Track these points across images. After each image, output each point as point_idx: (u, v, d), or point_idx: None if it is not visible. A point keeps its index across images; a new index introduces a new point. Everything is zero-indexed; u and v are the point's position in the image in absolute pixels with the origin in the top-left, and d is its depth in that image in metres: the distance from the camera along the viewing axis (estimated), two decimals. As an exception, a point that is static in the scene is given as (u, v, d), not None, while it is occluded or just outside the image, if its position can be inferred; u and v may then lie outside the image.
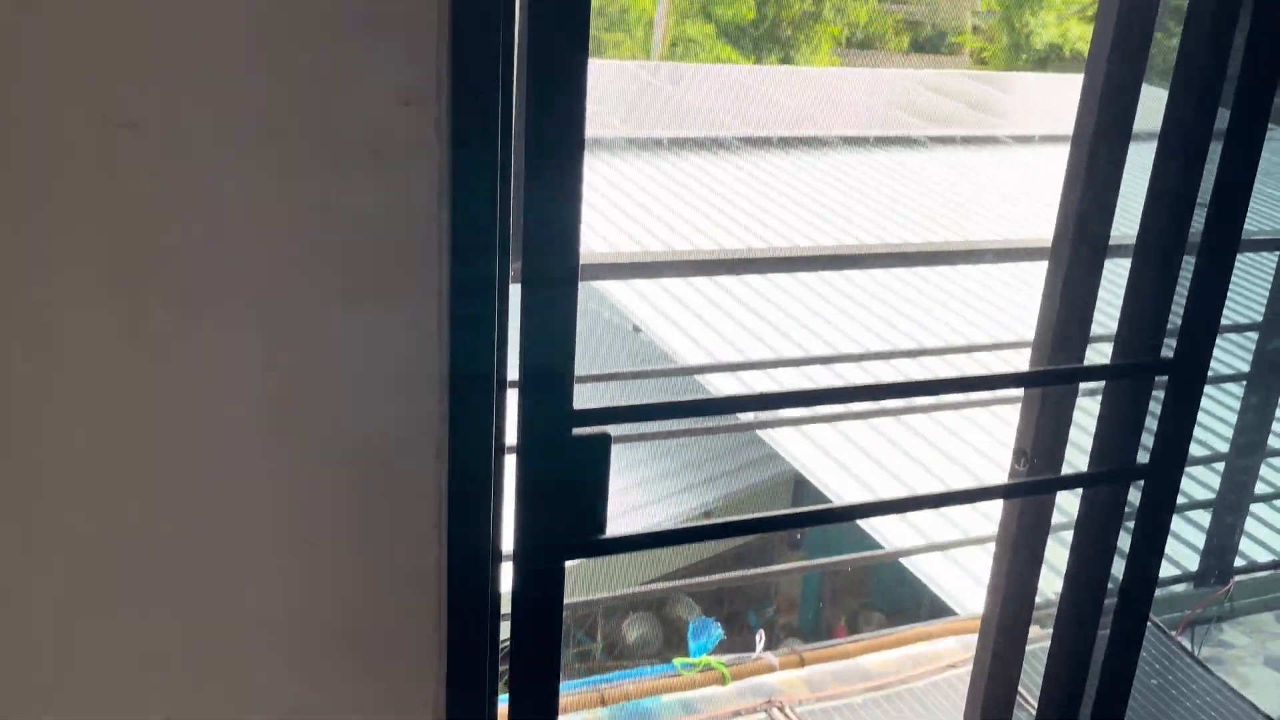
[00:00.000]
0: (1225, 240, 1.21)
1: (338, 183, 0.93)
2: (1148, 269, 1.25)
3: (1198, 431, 1.36)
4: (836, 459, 4.52)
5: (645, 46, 12.06)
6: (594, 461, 1.08)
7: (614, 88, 8.00)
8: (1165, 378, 1.25)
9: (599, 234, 5.77)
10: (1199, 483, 3.22)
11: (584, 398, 1.10)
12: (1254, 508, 2.95)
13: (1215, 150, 1.20)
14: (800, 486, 5.58)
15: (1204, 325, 1.23)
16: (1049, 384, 1.29)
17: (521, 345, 1.05)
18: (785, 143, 7.35)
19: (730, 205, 6.43)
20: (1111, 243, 1.29)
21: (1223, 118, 1.21)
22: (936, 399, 3.69)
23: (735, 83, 8.64)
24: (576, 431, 1.06)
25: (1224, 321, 1.37)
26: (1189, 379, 1.25)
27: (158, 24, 0.86)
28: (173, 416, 0.96)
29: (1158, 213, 1.23)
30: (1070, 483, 1.36)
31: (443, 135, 0.94)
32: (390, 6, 0.91)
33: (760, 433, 4.83)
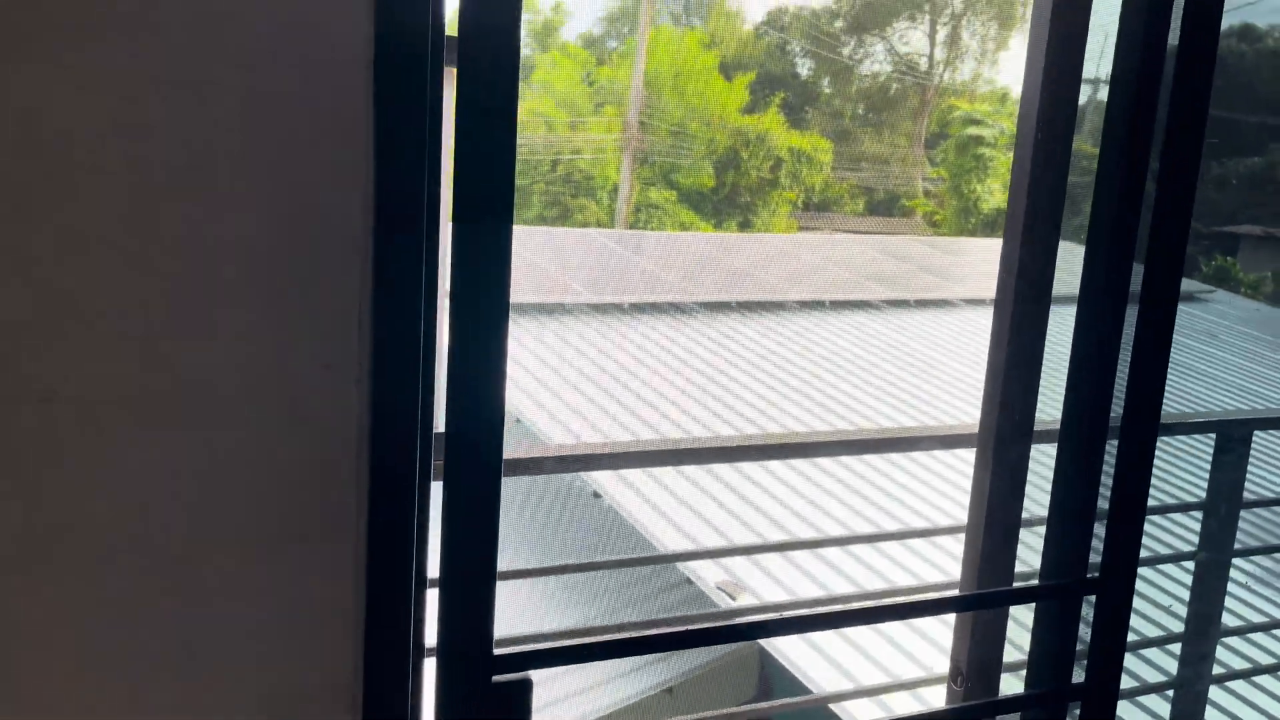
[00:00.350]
0: (1145, 427, 1.20)
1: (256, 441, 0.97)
2: (1072, 460, 1.23)
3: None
4: (804, 637, 4.38)
5: (610, 211, 12.48)
6: (515, 709, 1.04)
7: (579, 257, 8.20)
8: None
9: (555, 411, 5.77)
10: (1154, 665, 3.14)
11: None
12: (1213, 692, 2.86)
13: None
14: (766, 661, 5.40)
15: (1127, 544, 1.20)
16: (973, 609, 1.25)
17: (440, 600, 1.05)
18: (744, 307, 7.49)
19: (689, 369, 6.47)
20: (1037, 427, 1.28)
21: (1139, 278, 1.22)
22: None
23: (696, 250, 8.87)
24: (496, 679, 1.03)
25: (1170, 500, 1.34)
26: (1116, 600, 1.21)
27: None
28: None
29: (1079, 394, 1.22)
30: (1005, 706, 1.29)
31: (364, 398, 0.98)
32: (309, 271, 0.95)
33: (724, 603, 4.70)
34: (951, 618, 1.32)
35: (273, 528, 1.03)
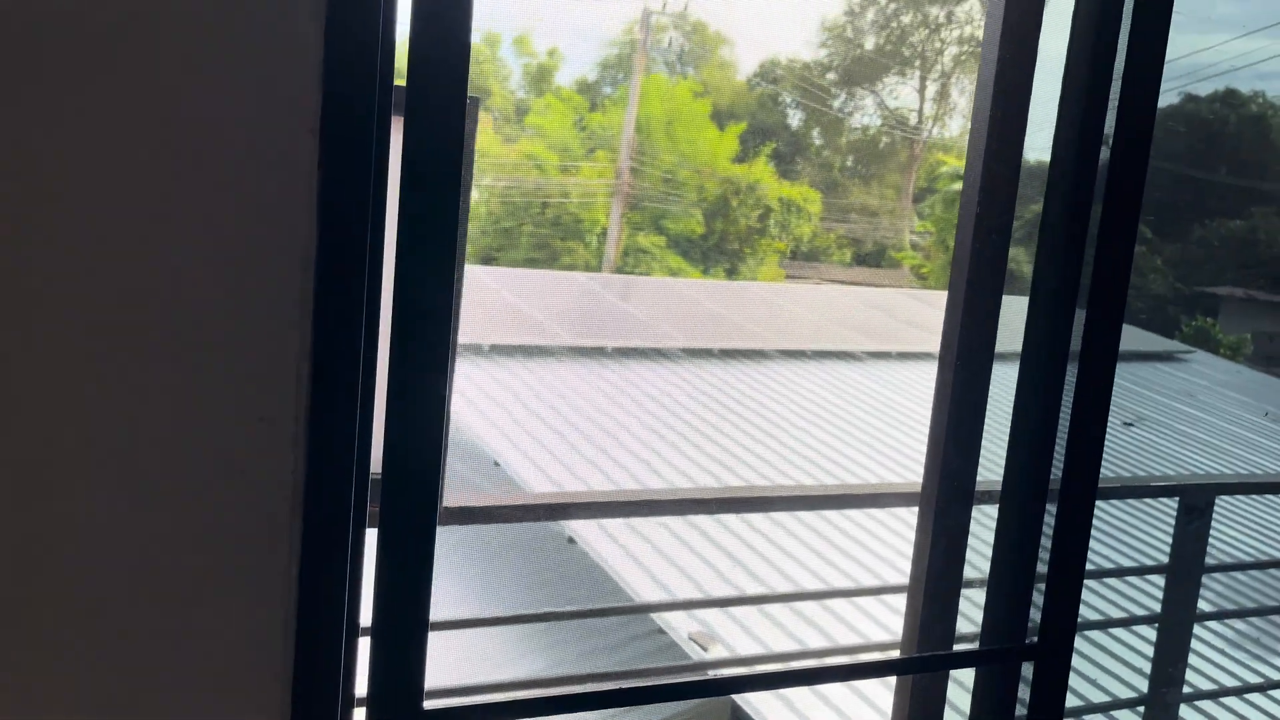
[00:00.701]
0: (1082, 490, 1.20)
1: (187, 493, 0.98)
2: (1011, 522, 1.23)
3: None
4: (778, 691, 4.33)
5: (598, 255, 12.51)
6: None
7: (564, 300, 8.21)
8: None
9: (534, 455, 5.75)
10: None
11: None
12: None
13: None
14: (738, 713, 5.33)
15: (1065, 608, 1.20)
16: (910, 672, 1.24)
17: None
18: (726, 354, 7.50)
19: (670, 415, 6.47)
20: (979, 489, 1.28)
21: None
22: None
23: (682, 296, 8.90)
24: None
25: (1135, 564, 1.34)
26: (1054, 664, 1.20)
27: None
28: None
29: (1018, 455, 1.23)
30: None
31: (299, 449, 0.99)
32: (249, 327, 0.94)
33: (695, 654, 4.66)
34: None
35: (202, 579, 1.02)
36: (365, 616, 1.15)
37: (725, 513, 4.99)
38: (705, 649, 4.50)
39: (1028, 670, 1.21)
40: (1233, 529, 5.15)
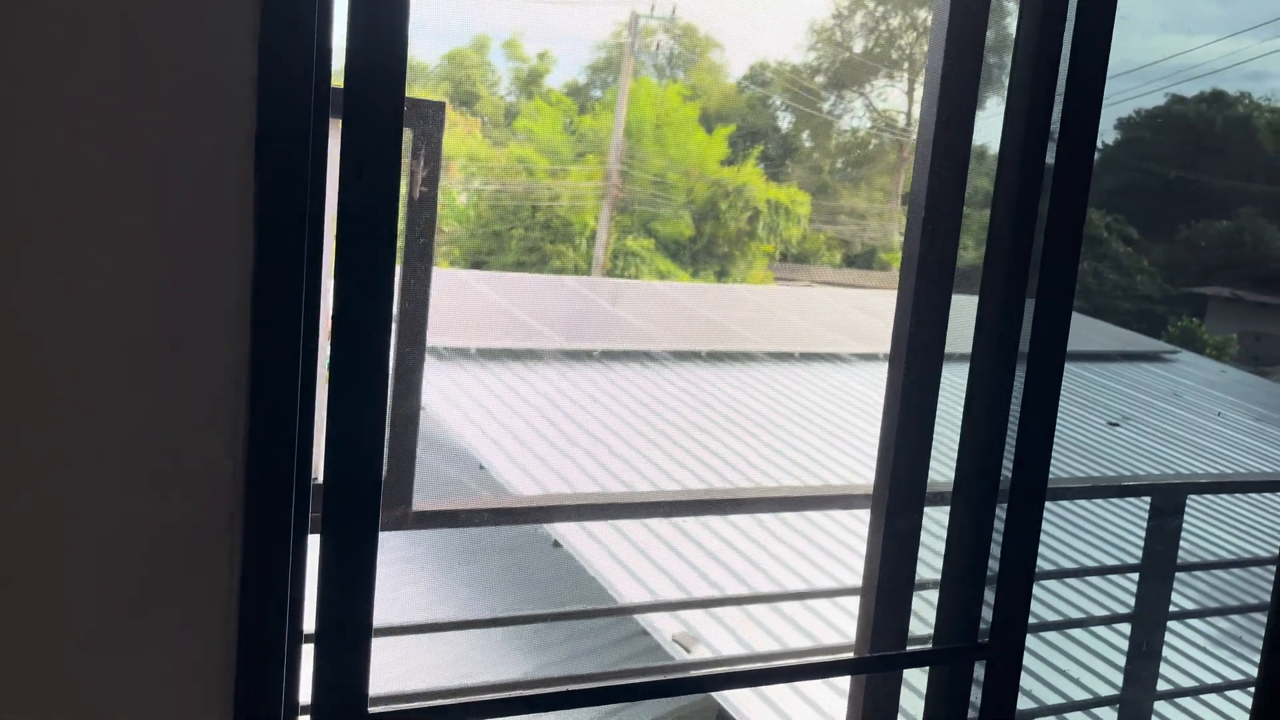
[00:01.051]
0: (1031, 490, 1.20)
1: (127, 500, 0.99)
2: (962, 523, 1.23)
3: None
4: (761, 692, 4.34)
5: (588, 258, 12.52)
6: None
7: (552, 303, 8.21)
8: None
9: (519, 457, 5.75)
10: None
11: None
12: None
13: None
14: (723, 715, 5.33)
15: (1015, 608, 1.20)
16: (861, 672, 1.24)
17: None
18: (713, 357, 7.51)
19: (657, 417, 6.47)
20: (930, 490, 1.28)
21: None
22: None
23: (669, 300, 8.91)
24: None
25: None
26: (1005, 664, 1.21)
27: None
28: None
29: (969, 456, 1.23)
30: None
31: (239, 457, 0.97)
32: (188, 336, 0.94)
33: (679, 655, 4.65)
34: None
35: (143, 588, 1.02)
36: (310, 622, 1.14)
37: (707, 514, 5.00)
38: (688, 650, 4.50)
39: (980, 670, 1.21)
40: (1216, 527, 5.16)
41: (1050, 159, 1.16)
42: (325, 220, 1.04)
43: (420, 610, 5.39)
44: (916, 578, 1.25)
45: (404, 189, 1.91)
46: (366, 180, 1.02)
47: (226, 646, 1.06)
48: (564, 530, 5.28)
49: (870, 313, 9.29)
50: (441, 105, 1.95)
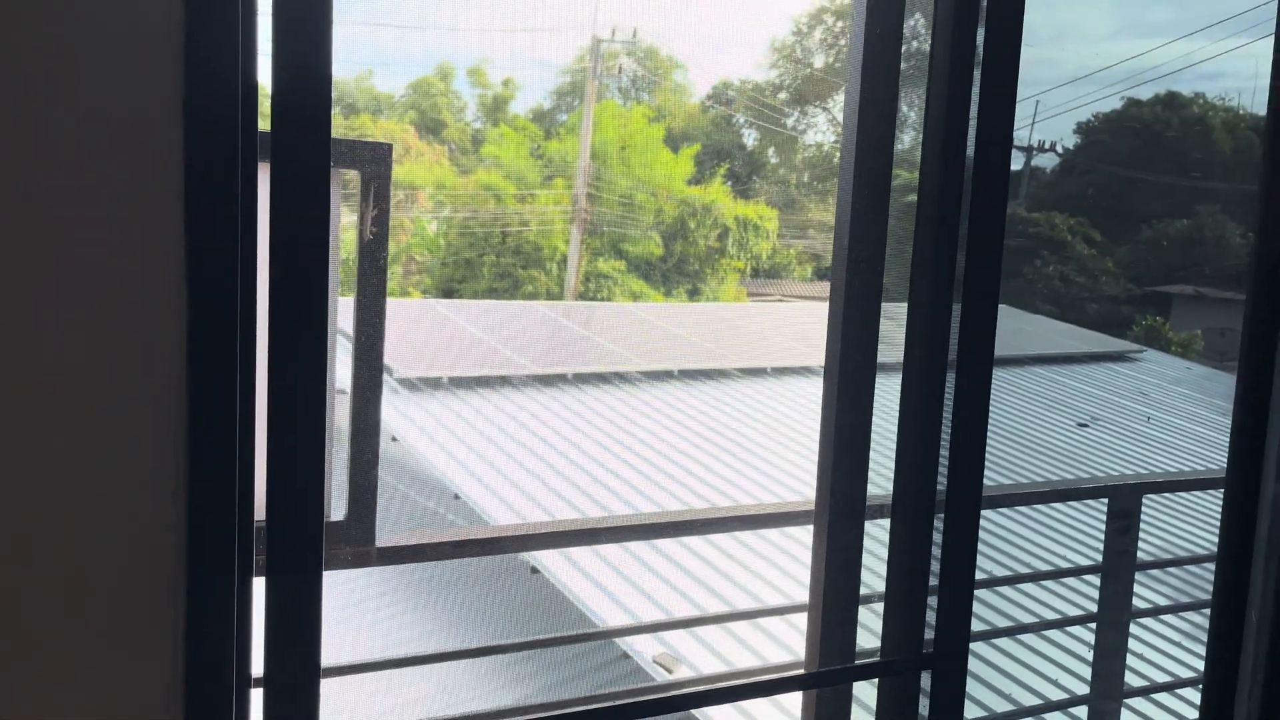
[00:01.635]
0: (967, 500, 1.23)
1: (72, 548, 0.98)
2: (903, 535, 1.25)
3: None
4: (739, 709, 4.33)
5: (560, 281, 12.58)
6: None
7: (523, 329, 8.23)
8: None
9: (495, 485, 5.74)
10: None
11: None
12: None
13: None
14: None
15: (957, 618, 1.22)
16: (809, 687, 1.26)
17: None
18: (686, 375, 7.53)
19: (632, 439, 6.48)
20: (870, 503, 1.30)
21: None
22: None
23: (641, 320, 8.94)
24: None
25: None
26: (951, 673, 1.23)
27: None
28: None
29: (905, 468, 1.25)
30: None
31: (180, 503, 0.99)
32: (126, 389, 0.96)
33: (660, 677, 4.65)
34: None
35: (89, 635, 1.02)
36: (258, 665, 1.15)
37: (680, 535, 5.00)
38: (670, 671, 4.50)
39: (928, 681, 1.23)
40: (1183, 523, 5.22)
41: (969, 169, 1.20)
42: (258, 265, 1.05)
43: (402, 644, 5.36)
44: (862, 591, 1.27)
45: (355, 230, 1.92)
46: (296, 223, 1.04)
47: (174, 692, 1.06)
48: (542, 557, 5.27)
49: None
50: (389, 147, 1.96)
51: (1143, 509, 2.55)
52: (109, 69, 0.96)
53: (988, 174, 1.21)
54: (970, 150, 1.20)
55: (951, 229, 1.22)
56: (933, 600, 1.25)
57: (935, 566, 1.26)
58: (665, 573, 5.14)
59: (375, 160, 1.88)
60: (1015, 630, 2.88)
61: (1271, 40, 1.39)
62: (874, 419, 1.34)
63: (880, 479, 1.32)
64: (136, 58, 0.97)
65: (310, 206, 1.05)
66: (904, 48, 1.21)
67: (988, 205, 1.21)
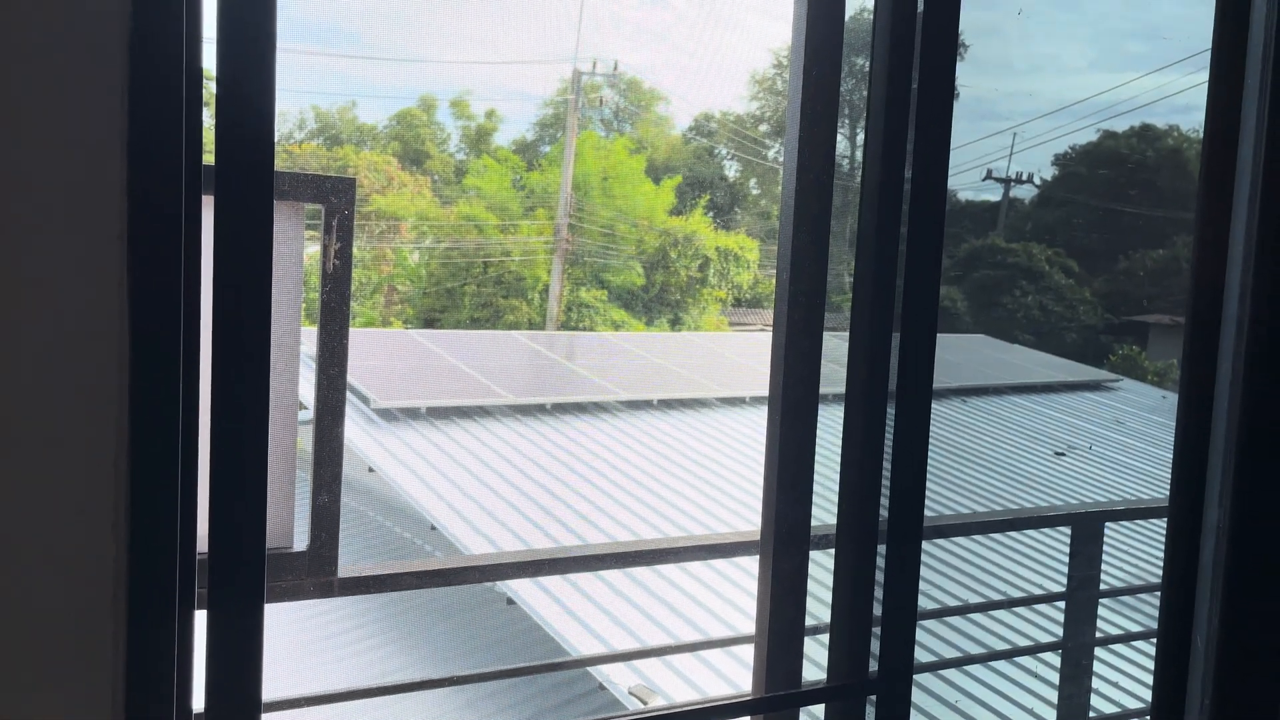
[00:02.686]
0: (908, 534, 1.24)
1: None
2: (846, 565, 1.27)
3: None
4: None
5: (541, 311, 12.61)
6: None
7: (503, 360, 8.24)
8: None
9: (471, 516, 5.73)
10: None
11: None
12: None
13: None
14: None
15: (901, 645, 1.23)
16: (759, 712, 1.27)
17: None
18: (665, 404, 7.55)
19: (611, 469, 6.48)
20: (814, 533, 1.31)
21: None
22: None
23: (621, 350, 8.96)
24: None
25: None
26: (894, 698, 1.24)
27: None
28: None
29: (847, 497, 1.27)
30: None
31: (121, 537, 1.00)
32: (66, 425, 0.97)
33: (636, 709, 4.62)
34: None
35: (25, 669, 1.02)
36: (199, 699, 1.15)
37: (653, 564, 5.00)
38: (645, 702, 4.48)
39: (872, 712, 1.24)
40: (1150, 550, 5.25)
41: (906, 203, 1.22)
42: (201, 300, 1.07)
43: (375, 678, 5.31)
44: (808, 622, 1.28)
45: (318, 261, 1.94)
46: (240, 255, 1.05)
47: (113, 725, 1.06)
48: (518, 587, 5.25)
49: (834, 358, 9.41)
50: (352, 181, 1.98)
51: (1109, 537, 2.57)
52: (52, 95, 0.98)
53: (924, 208, 1.24)
54: (907, 186, 1.23)
55: (890, 263, 1.25)
56: (878, 629, 1.26)
57: (879, 594, 1.27)
58: (643, 603, 5.13)
59: (338, 196, 1.90)
60: (964, 661, 2.89)
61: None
62: (819, 449, 1.36)
63: (826, 509, 1.33)
64: (80, 87, 0.99)
65: (253, 239, 1.07)
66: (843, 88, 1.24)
67: (924, 240, 1.23)
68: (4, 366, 0.99)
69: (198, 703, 1.13)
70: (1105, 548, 2.64)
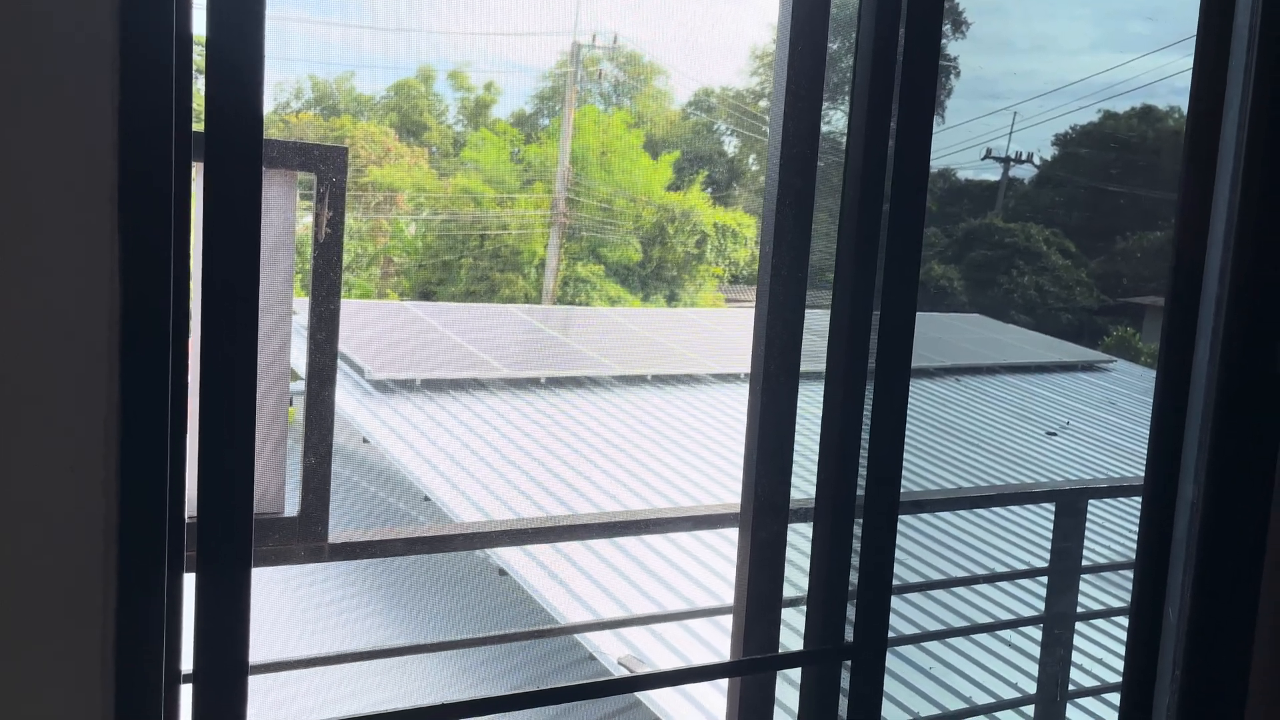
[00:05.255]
0: (884, 504, 1.27)
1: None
2: (823, 537, 1.29)
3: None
4: (703, 707, 4.37)
5: (538, 286, 12.61)
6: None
7: (497, 333, 8.25)
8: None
9: (466, 487, 5.75)
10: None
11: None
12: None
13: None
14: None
15: (876, 615, 1.26)
16: (737, 674, 1.29)
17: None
18: (660, 380, 7.57)
19: (603, 442, 6.51)
20: (792, 505, 1.34)
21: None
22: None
23: (617, 325, 8.98)
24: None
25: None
26: (869, 665, 1.26)
27: None
28: None
29: (826, 472, 1.29)
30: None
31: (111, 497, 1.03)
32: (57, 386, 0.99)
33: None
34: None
35: (17, 627, 1.04)
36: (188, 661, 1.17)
37: (639, 534, 5.04)
38: (632, 671, 4.53)
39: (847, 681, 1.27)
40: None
41: (889, 181, 1.24)
42: (191, 262, 1.08)
43: (365, 646, 5.36)
44: (787, 593, 1.31)
45: (310, 230, 1.95)
46: (229, 222, 1.07)
47: (105, 687, 1.07)
48: (509, 558, 5.30)
49: (817, 333, 9.43)
50: (344, 150, 1.99)
51: (1095, 515, 2.60)
52: (43, 67, 0.98)
53: (906, 186, 1.25)
54: (890, 164, 1.24)
55: (871, 239, 1.26)
56: (854, 602, 1.28)
57: (856, 564, 1.30)
58: (633, 575, 5.17)
59: (330, 164, 1.91)
60: (944, 634, 2.93)
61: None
62: (800, 423, 1.38)
63: (807, 482, 1.35)
64: (71, 59, 1.00)
65: (242, 206, 1.08)
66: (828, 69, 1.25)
67: (905, 218, 1.25)
68: (2, 325, 1.00)
69: (186, 664, 1.15)
70: (1091, 526, 2.68)
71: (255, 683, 1.18)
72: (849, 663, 1.29)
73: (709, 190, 13.62)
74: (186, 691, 1.16)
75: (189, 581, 1.17)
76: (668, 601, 4.96)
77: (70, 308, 1.03)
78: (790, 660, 1.27)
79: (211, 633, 1.12)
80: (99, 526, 1.06)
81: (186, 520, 1.15)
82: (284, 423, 1.82)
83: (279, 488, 1.74)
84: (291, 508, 1.91)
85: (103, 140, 1.02)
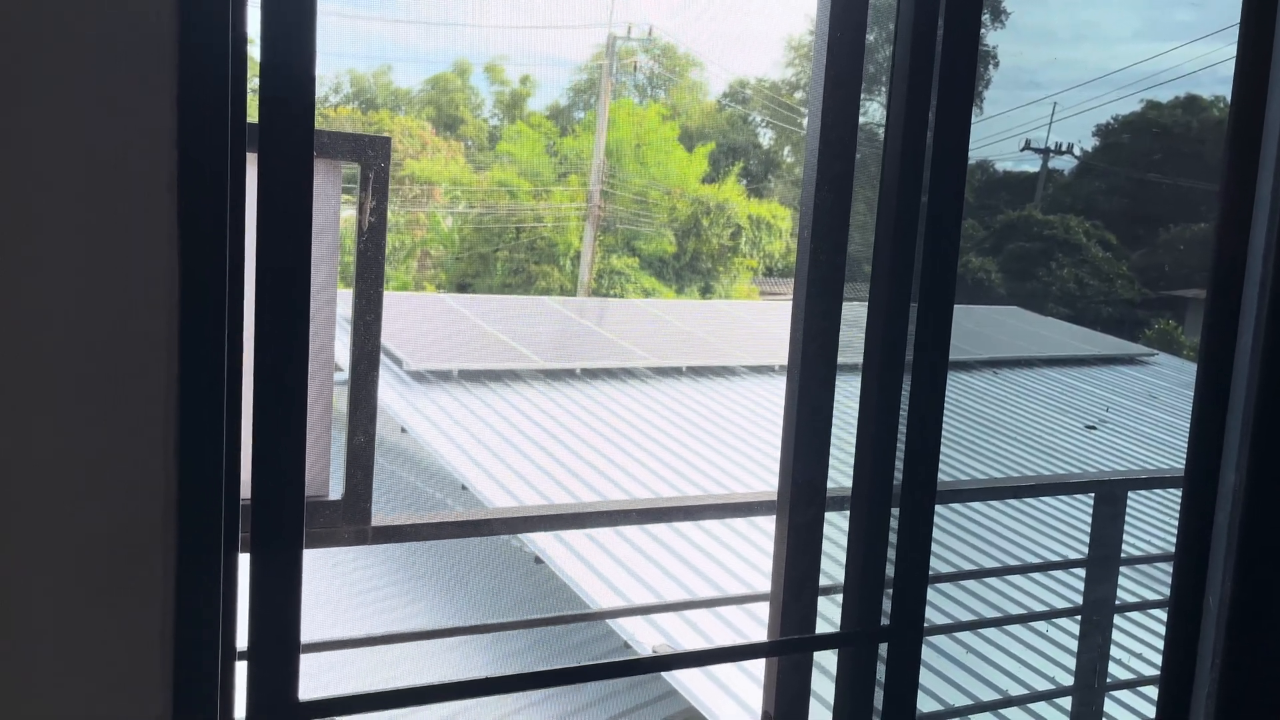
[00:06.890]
0: (921, 492, 1.28)
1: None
2: (861, 524, 1.30)
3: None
4: (736, 696, 4.39)
5: (573, 278, 12.65)
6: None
7: (533, 324, 8.30)
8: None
9: (502, 477, 5.80)
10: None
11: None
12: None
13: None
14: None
15: (913, 600, 1.27)
16: (775, 654, 1.31)
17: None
18: (694, 371, 7.58)
19: (637, 432, 6.54)
20: (830, 493, 1.35)
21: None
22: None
23: (652, 316, 8.99)
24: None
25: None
26: (905, 648, 1.27)
27: None
28: None
29: (864, 461, 1.30)
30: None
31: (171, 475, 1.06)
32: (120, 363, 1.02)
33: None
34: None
35: (81, 606, 1.07)
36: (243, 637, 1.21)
37: (673, 521, 5.06)
38: (668, 663, 4.55)
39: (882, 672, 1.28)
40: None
41: (927, 173, 1.25)
42: (246, 250, 1.12)
43: (406, 624, 5.43)
44: (823, 582, 1.32)
45: (355, 218, 1.99)
46: (282, 211, 1.10)
47: (164, 664, 1.10)
48: (545, 546, 5.34)
49: (852, 325, 9.39)
50: (387, 140, 2.03)
51: (1134, 508, 2.58)
52: (105, 64, 1.02)
53: (944, 177, 1.26)
54: (928, 154, 1.25)
55: (910, 231, 1.27)
56: (889, 589, 1.30)
57: (892, 555, 1.31)
58: (666, 563, 5.20)
59: (374, 153, 1.94)
60: (979, 624, 2.92)
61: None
62: (838, 414, 1.39)
63: (843, 473, 1.37)
64: (132, 54, 1.04)
65: (295, 195, 1.11)
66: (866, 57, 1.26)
67: (943, 209, 1.26)
68: (65, 304, 1.04)
69: (240, 641, 1.19)
70: (1129, 519, 2.65)
71: (303, 662, 1.21)
72: (885, 648, 1.30)
73: (744, 182, 13.58)
74: (240, 668, 1.20)
75: (243, 561, 1.20)
76: (701, 590, 4.98)
77: (133, 292, 1.06)
78: (827, 641, 1.29)
79: (266, 611, 1.16)
80: (159, 507, 1.10)
81: (241, 502, 1.19)
82: (329, 409, 1.86)
83: (324, 473, 1.78)
84: (335, 491, 1.95)
85: (163, 130, 1.05)
